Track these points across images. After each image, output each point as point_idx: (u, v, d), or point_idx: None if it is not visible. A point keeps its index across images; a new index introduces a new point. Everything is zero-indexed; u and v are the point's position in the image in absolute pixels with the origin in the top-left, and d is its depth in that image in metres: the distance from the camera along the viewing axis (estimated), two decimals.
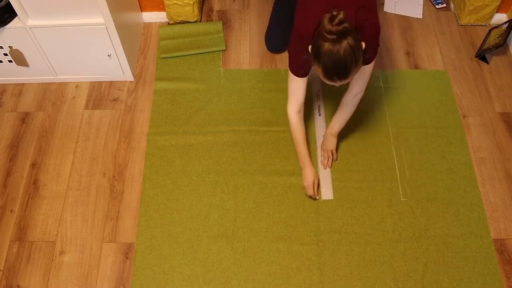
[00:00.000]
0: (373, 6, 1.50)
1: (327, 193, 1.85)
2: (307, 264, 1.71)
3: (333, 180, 1.89)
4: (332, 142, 1.89)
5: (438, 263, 1.71)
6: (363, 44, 1.37)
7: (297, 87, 1.64)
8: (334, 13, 1.27)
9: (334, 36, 1.28)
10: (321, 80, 1.67)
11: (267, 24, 2.30)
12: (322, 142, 1.94)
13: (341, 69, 1.34)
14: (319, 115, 2.04)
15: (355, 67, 1.35)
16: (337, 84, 1.41)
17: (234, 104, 2.10)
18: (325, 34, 1.29)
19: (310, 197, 1.83)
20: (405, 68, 2.22)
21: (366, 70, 1.59)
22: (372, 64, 1.59)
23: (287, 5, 2.13)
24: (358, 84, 1.65)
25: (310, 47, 1.41)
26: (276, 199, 1.84)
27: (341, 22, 1.27)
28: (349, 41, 1.30)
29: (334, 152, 1.91)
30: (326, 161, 1.90)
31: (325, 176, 1.88)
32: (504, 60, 2.26)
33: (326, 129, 1.91)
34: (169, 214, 1.81)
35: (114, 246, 1.75)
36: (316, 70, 1.40)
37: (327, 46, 1.30)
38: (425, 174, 1.91)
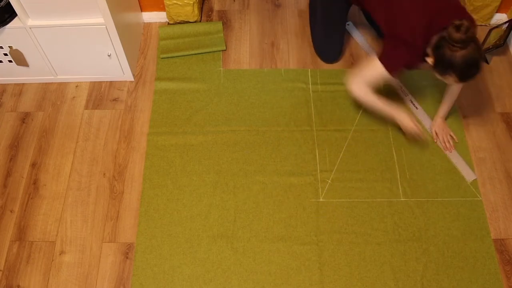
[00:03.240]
0: (462, 7, 1.67)
1: (469, 174, 1.89)
2: (307, 264, 1.71)
3: (332, 180, 1.89)
4: (445, 125, 2.00)
5: (438, 263, 1.71)
6: None
7: (378, 79, 1.77)
8: (458, 23, 1.46)
9: (463, 44, 1.47)
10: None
11: (264, 21, 2.29)
12: (436, 129, 1.99)
13: (476, 69, 1.53)
14: (416, 108, 2.07)
15: (482, 62, 1.54)
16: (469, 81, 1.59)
17: (234, 104, 2.10)
18: (454, 43, 1.47)
19: (415, 137, 1.89)
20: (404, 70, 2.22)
21: None
22: None
23: (337, 12, 2.12)
24: None
25: (430, 60, 1.58)
26: (276, 199, 1.84)
27: (468, 30, 1.45)
28: (475, 41, 1.50)
29: (451, 133, 1.98)
30: (448, 144, 1.96)
31: (456, 158, 1.93)
32: (504, 60, 2.26)
33: (436, 115, 2.00)
34: (169, 214, 1.81)
35: (114, 246, 1.75)
36: (447, 78, 1.57)
37: (459, 53, 1.48)
38: (425, 174, 1.91)
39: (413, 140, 1.87)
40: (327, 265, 1.70)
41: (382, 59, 1.71)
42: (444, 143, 1.96)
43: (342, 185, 1.88)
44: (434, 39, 1.57)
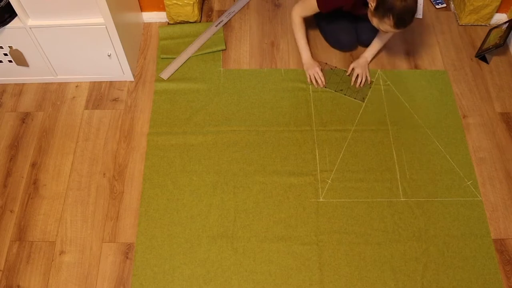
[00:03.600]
0: None
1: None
2: (307, 264, 1.71)
3: (332, 180, 1.89)
4: (366, 67, 2.16)
5: (438, 263, 1.71)
6: None
7: (313, 10, 2.00)
8: None
9: None
10: None
11: (264, 21, 2.29)
12: (355, 65, 2.16)
13: (411, 17, 1.75)
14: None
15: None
16: (400, 30, 1.80)
17: (234, 104, 2.10)
18: None
19: (315, 82, 2.14)
20: (405, 68, 2.22)
21: None
22: None
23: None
24: None
25: (372, 3, 1.77)
26: (276, 199, 1.84)
27: None
28: None
29: (367, 74, 2.15)
30: (360, 80, 2.13)
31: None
32: (504, 60, 2.26)
33: (362, 55, 2.18)
34: (169, 214, 1.81)
35: (114, 246, 1.75)
36: (381, 23, 1.79)
37: (401, 1, 1.69)
38: (425, 174, 1.91)
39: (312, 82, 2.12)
40: (327, 265, 1.70)
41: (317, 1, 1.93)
42: (356, 78, 2.14)
43: (342, 185, 1.88)
44: None
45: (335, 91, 2.11)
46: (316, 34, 2.33)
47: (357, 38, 2.23)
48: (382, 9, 1.74)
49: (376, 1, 1.75)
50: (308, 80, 2.15)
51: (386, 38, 2.13)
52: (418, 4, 2.43)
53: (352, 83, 2.14)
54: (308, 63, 2.15)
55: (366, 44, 2.22)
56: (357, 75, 2.14)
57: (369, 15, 1.86)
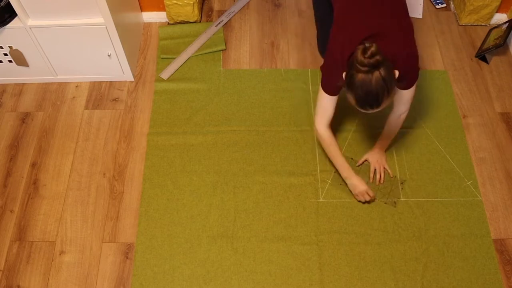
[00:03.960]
0: (411, 32, 1.55)
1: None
2: (307, 264, 1.71)
3: (333, 180, 1.89)
4: (383, 158, 1.90)
5: (438, 263, 1.71)
6: (397, 73, 1.43)
7: (328, 104, 1.66)
8: (367, 45, 1.35)
9: (366, 68, 1.35)
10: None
11: (264, 21, 2.29)
12: (372, 158, 1.90)
13: (373, 99, 1.40)
14: None
15: (387, 97, 1.41)
16: (369, 112, 1.46)
17: (234, 104, 2.10)
18: (357, 65, 1.36)
19: (368, 201, 1.81)
20: None
21: (408, 94, 1.62)
22: (413, 88, 1.60)
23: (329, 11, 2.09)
24: (402, 106, 1.68)
25: (344, 74, 1.46)
26: (276, 199, 1.84)
27: (373, 55, 1.33)
28: (381, 72, 1.36)
29: (386, 167, 1.90)
30: (379, 176, 1.88)
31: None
32: (504, 60, 2.26)
33: (374, 145, 1.91)
34: (169, 214, 1.81)
35: (114, 246, 1.75)
36: (349, 98, 1.45)
37: (359, 76, 1.37)
38: (425, 174, 1.91)
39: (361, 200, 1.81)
40: (327, 265, 1.70)
41: (321, 80, 1.63)
42: (373, 174, 1.88)
43: (342, 185, 1.88)
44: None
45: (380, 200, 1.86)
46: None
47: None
48: (346, 84, 1.44)
49: (346, 72, 1.45)
50: (357, 198, 1.83)
51: (398, 125, 1.78)
52: (418, 4, 2.45)
53: (371, 180, 1.88)
54: (357, 186, 1.79)
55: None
56: (374, 170, 1.90)
57: None
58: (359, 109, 1.46)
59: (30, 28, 1.88)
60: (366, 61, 1.34)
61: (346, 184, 1.83)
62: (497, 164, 1.94)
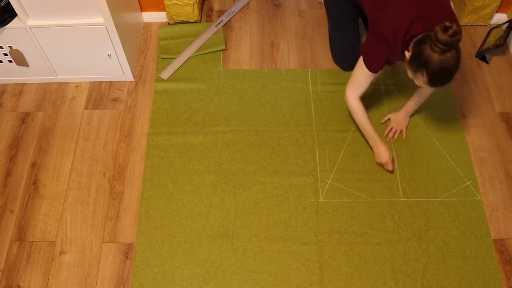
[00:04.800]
0: (450, 5, 1.64)
1: None
2: (307, 264, 1.71)
3: (332, 180, 1.89)
4: (404, 122, 2.00)
5: (438, 263, 1.71)
6: None
7: (366, 81, 1.75)
8: (448, 24, 1.41)
9: (446, 47, 1.42)
10: None
11: (264, 21, 2.29)
12: (394, 118, 2.01)
13: (448, 77, 1.49)
14: None
15: (456, 74, 1.50)
16: (435, 88, 1.59)
17: (234, 104, 2.10)
18: (438, 44, 1.42)
19: (388, 171, 1.90)
20: (405, 68, 2.22)
21: None
22: None
23: (348, 21, 2.12)
24: None
25: (408, 53, 1.54)
26: (276, 199, 1.84)
27: (455, 34, 1.40)
28: (457, 50, 1.45)
29: (404, 130, 2.00)
30: (391, 135, 1.99)
31: None
32: (504, 60, 2.26)
33: (402, 107, 2.00)
34: (169, 214, 1.81)
35: (114, 246, 1.75)
36: (417, 76, 1.53)
37: (437, 55, 1.44)
38: (425, 174, 1.91)
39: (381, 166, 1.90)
40: (327, 265, 1.70)
41: (364, 56, 1.71)
42: (389, 131, 2.00)
43: (342, 185, 1.88)
44: (420, 34, 1.53)
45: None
46: (316, 34, 2.34)
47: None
48: (416, 62, 1.50)
49: (412, 51, 1.52)
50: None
51: (426, 94, 1.89)
52: None
53: (384, 135, 1.99)
54: (382, 156, 1.87)
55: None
56: (391, 128, 2.00)
57: (406, 65, 1.62)
58: (427, 86, 1.54)
59: (30, 28, 1.88)
60: (449, 39, 1.39)
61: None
62: (497, 164, 1.94)
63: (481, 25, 2.38)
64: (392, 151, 1.96)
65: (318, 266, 1.70)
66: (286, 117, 2.06)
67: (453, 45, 1.42)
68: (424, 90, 1.86)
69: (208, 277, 1.68)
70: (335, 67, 2.22)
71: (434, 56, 1.44)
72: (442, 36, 1.40)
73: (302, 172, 1.91)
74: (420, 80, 1.53)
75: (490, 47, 2.20)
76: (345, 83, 2.14)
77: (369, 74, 1.71)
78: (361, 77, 1.75)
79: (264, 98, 2.12)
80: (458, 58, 1.46)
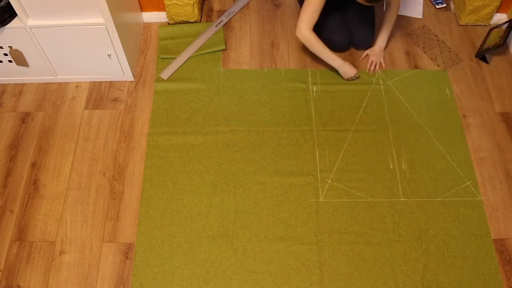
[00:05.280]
0: None
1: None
2: (307, 264, 1.71)
3: (332, 180, 1.89)
4: (381, 54, 2.20)
5: (438, 263, 1.71)
6: None
7: (317, 8, 1.90)
8: None
9: None
10: None
11: (264, 21, 2.29)
12: (372, 52, 2.20)
13: None
14: None
15: None
16: (374, 4, 1.74)
17: (234, 104, 2.10)
18: None
19: (357, 78, 2.14)
20: (405, 68, 2.22)
21: None
22: None
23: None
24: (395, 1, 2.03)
25: None
26: (276, 199, 1.84)
27: None
28: None
29: (382, 61, 2.19)
30: (373, 67, 2.17)
31: None
32: (504, 60, 2.26)
33: (375, 43, 2.21)
34: (169, 214, 1.81)
35: (114, 246, 1.75)
36: None
37: None
38: (425, 174, 1.91)
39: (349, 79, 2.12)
40: (327, 265, 1.70)
41: None
42: (370, 65, 2.17)
43: (342, 185, 1.88)
44: None
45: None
46: None
47: (352, 38, 2.23)
48: None
49: None
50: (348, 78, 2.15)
51: (392, 20, 2.12)
52: (418, 5, 2.45)
53: (367, 70, 2.18)
54: (349, 72, 2.12)
55: (361, 45, 2.24)
56: (371, 61, 2.18)
57: None
58: (366, 2, 1.72)
59: (30, 28, 1.88)
60: None
61: (339, 73, 2.13)
62: (497, 164, 1.94)
63: (481, 25, 2.38)
64: (392, 151, 1.96)
65: (318, 266, 1.70)
66: (286, 117, 2.06)
67: None
68: (388, 16, 2.09)
69: (208, 277, 1.68)
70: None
71: None
72: None
73: (302, 172, 1.91)
74: None
75: (490, 47, 2.20)
76: (345, 83, 2.16)
77: (319, 2, 1.86)
78: (310, 6, 1.89)
79: (264, 98, 2.12)
80: None
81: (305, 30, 1.96)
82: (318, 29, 2.17)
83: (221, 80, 2.18)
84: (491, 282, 1.67)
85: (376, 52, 2.20)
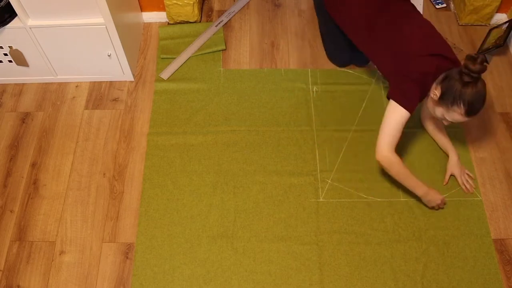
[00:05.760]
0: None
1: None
2: (307, 264, 1.71)
3: (332, 180, 1.89)
4: (462, 166, 1.90)
5: (438, 263, 1.71)
6: None
7: (400, 128, 1.65)
8: (474, 55, 1.51)
9: (477, 75, 1.51)
10: None
11: (264, 21, 2.29)
12: (456, 171, 1.88)
13: (482, 103, 1.56)
14: None
15: None
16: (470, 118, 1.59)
17: (234, 104, 2.10)
18: (471, 74, 1.50)
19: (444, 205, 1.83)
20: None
21: None
22: None
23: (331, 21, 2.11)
24: None
25: (437, 92, 1.59)
26: (276, 199, 1.84)
27: (483, 61, 1.49)
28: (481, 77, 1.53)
29: (467, 171, 1.90)
30: (468, 185, 1.87)
31: None
32: (504, 60, 2.26)
33: (449, 157, 1.90)
34: (169, 214, 1.81)
35: (114, 246, 1.75)
36: (448, 111, 1.59)
37: (470, 86, 1.52)
38: (425, 174, 1.91)
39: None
40: (327, 265, 1.70)
41: (398, 99, 1.63)
42: (464, 184, 1.87)
43: (342, 185, 1.88)
44: (443, 74, 1.61)
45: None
46: (316, 34, 2.34)
47: (354, 56, 2.17)
48: (451, 97, 1.54)
49: (441, 89, 1.57)
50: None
51: (445, 132, 1.94)
52: (418, 5, 2.45)
53: (465, 191, 1.87)
54: (435, 200, 1.79)
55: (362, 63, 2.19)
56: (461, 179, 1.89)
57: (431, 105, 1.66)
58: (464, 117, 1.58)
59: (30, 28, 1.88)
60: (481, 68, 1.48)
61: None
62: (497, 164, 1.94)
63: (481, 25, 2.38)
64: None
65: (318, 266, 1.70)
66: (286, 117, 2.06)
67: (482, 72, 1.50)
68: (441, 128, 1.93)
69: (208, 277, 1.68)
70: (335, 67, 2.22)
71: (468, 87, 1.52)
72: (474, 67, 1.48)
73: (302, 172, 1.91)
74: (456, 113, 1.57)
75: (490, 47, 2.20)
76: (345, 83, 2.16)
77: (404, 118, 1.63)
78: (395, 125, 1.64)
79: (264, 98, 2.12)
80: (485, 84, 1.55)
81: (389, 152, 1.66)
82: (327, 43, 2.22)
83: (221, 80, 2.18)
84: (491, 282, 1.67)
85: (456, 164, 1.88)
